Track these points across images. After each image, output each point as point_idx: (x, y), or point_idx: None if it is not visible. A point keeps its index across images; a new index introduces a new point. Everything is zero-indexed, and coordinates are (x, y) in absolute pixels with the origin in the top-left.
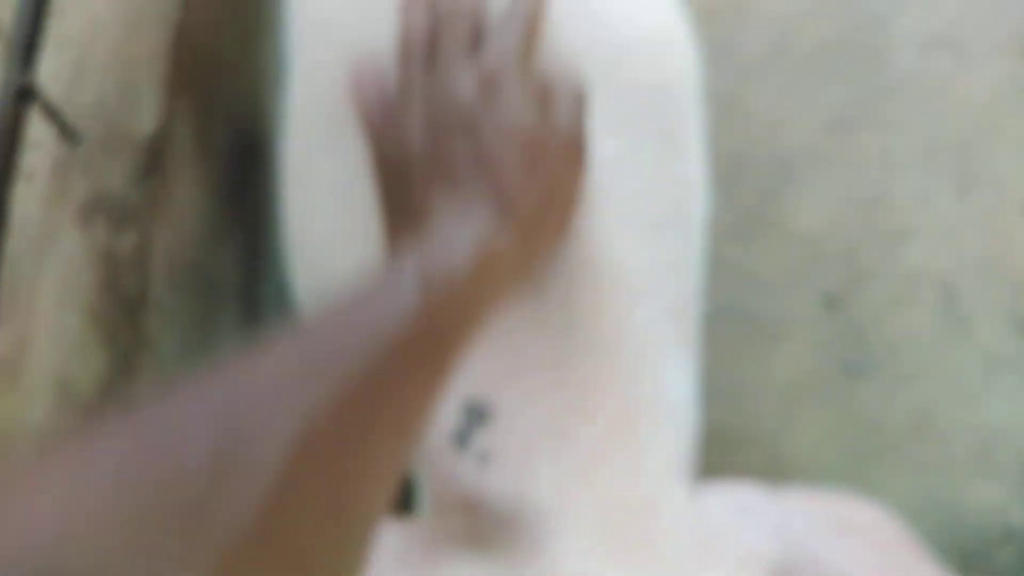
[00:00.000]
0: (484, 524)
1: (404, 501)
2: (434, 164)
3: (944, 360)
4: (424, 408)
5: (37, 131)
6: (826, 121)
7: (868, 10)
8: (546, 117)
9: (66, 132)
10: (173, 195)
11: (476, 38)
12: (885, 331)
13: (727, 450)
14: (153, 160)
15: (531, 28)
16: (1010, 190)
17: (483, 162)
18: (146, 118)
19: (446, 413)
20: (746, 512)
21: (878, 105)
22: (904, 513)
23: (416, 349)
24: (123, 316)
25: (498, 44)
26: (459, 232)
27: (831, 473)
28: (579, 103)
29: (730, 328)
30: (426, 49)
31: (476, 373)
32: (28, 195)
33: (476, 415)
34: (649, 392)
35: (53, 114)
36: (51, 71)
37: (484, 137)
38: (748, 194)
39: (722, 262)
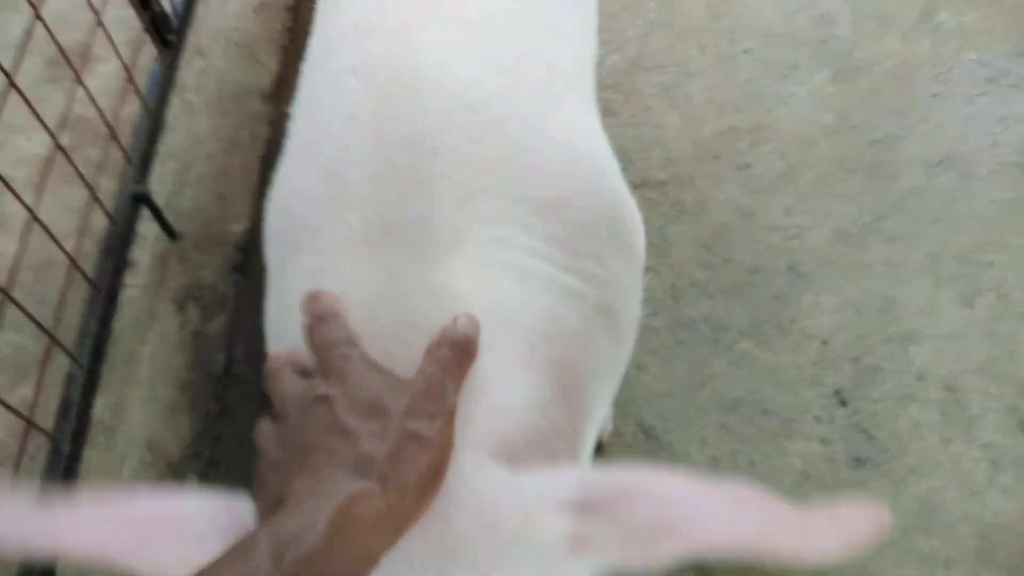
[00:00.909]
0: None
1: None
2: (298, 456)
3: (949, 455)
4: None
5: (143, 228)
6: (837, 233)
7: (877, 133)
8: (393, 377)
9: (168, 231)
10: (255, 287)
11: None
12: (893, 427)
13: None
14: (241, 256)
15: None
16: (1013, 299)
17: (336, 431)
18: (237, 221)
19: None
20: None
21: (886, 219)
22: None
23: None
24: (209, 388)
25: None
26: (311, 504)
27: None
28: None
29: (748, 419)
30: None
31: None
32: (133, 283)
33: None
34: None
35: (159, 215)
36: (157, 178)
37: (336, 411)
38: (765, 299)
39: (742, 359)
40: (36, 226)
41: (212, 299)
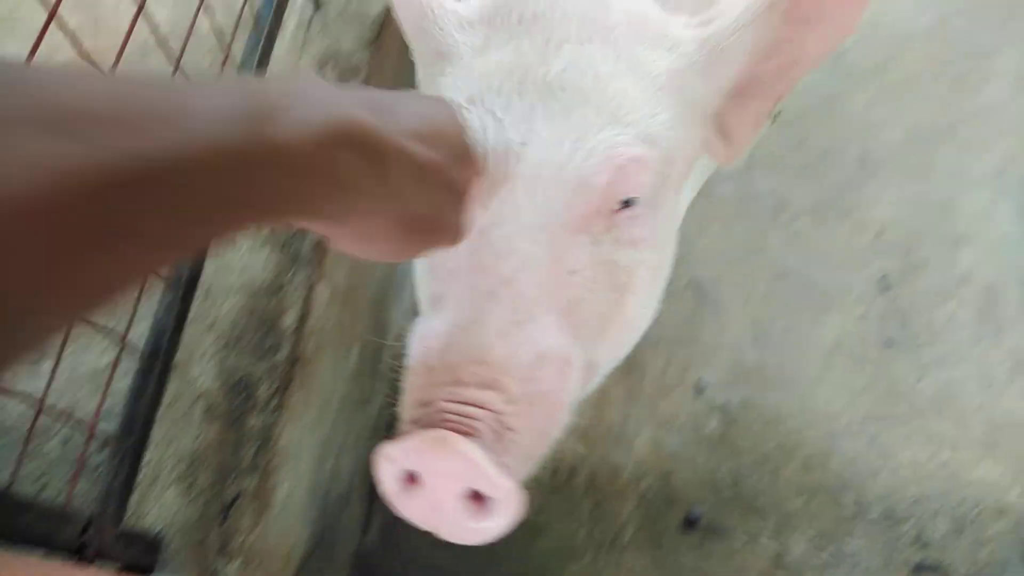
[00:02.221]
0: None
1: None
2: None
3: (975, 352)
4: (201, 223)
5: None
6: (911, 131)
7: (972, 43)
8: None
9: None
10: (387, 59)
11: None
12: (928, 317)
13: (764, 387)
14: (376, 31)
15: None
16: None
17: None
18: (375, 4)
19: None
20: None
21: (961, 126)
22: (909, 474)
23: (213, 173)
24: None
25: None
26: (317, 94)
27: (850, 428)
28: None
29: (793, 290)
30: None
31: None
32: (279, 45)
33: None
34: None
35: None
36: None
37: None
38: (831, 182)
39: (797, 235)
40: None
41: (347, 66)
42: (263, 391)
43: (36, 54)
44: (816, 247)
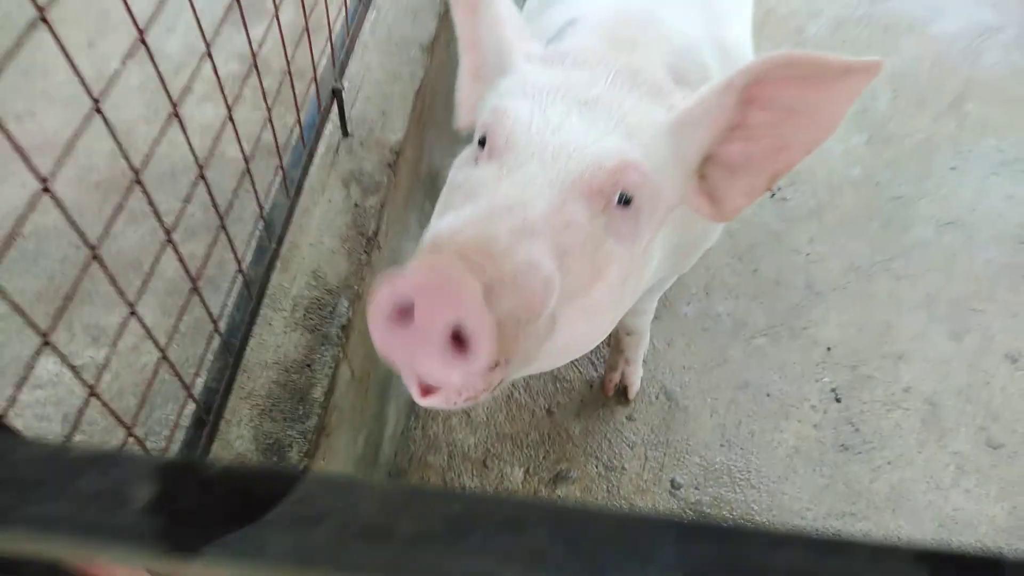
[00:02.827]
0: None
1: None
2: None
3: (923, 456)
4: None
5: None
6: (851, 264)
7: (897, 191)
8: None
9: (344, 127)
10: (402, 182)
11: None
12: (876, 425)
13: (733, 487)
14: (394, 157)
15: None
16: (996, 342)
17: None
18: (393, 132)
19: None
20: None
21: (894, 261)
22: None
23: None
24: (361, 244)
25: None
26: None
27: (815, 523)
28: None
29: (754, 399)
30: None
31: None
32: (312, 165)
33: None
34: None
35: (342, 111)
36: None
37: None
38: (782, 306)
39: (755, 351)
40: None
41: (369, 183)
42: (294, 454)
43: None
44: (772, 362)
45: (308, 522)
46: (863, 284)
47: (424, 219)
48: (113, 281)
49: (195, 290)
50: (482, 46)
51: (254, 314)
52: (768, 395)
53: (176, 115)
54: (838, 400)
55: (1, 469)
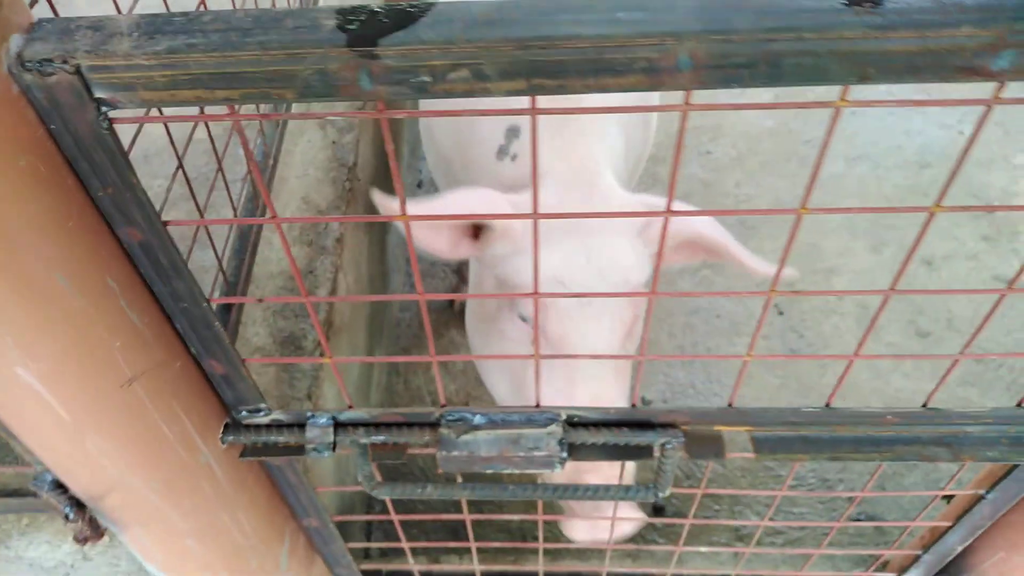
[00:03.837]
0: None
1: None
2: None
3: (862, 351)
4: None
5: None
6: (775, 200)
7: (808, 135)
8: None
9: None
10: (371, 123)
11: None
12: (818, 329)
13: (698, 397)
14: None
15: None
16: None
17: None
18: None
19: (494, 136)
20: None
21: (814, 192)
22: None
23: None
24: (343, 175)
25: None
26: None
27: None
28: None
29: (706, 321)
30: None
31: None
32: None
33: (513, 133)
34: (608, 141)
35: None
36: None
37: None
38: None
39: (703, 282)
40: None
41: (344, 123)
42: (308, 344)
43: None
44: (718, 288)
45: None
46: (788, 215)
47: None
48: None
49: (219, 170)
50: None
51: (257, 234)
52: (718, 316)
53: None
54: (781, 313)
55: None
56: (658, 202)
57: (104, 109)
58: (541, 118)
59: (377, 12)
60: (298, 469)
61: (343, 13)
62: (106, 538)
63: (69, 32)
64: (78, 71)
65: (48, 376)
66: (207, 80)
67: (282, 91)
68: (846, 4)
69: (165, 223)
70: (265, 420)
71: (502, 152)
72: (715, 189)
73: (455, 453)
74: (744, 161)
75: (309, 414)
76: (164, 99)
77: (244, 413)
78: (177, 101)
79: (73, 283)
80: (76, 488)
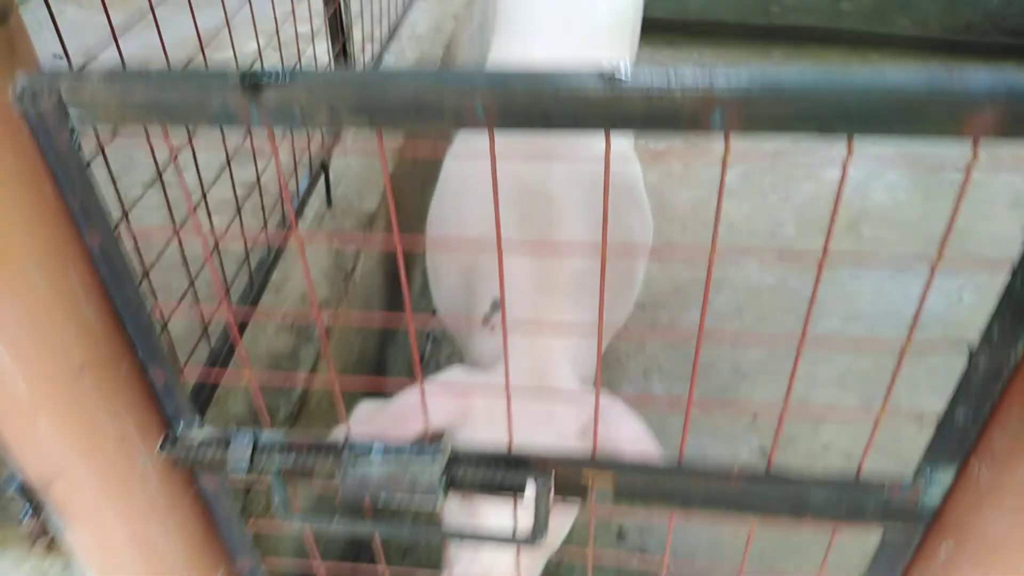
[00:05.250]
0: (490, 359)
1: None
2: None
3: None
4: None
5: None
6: (770, 352)
7: (807, 294)
8: None
9: (328, 199)
10: (375, 238)
11: None
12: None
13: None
14: (370, 221)
15: None
16: (902, 408)
17: None
18: (370, 205)
19: (483, 302)
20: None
21: (807, 347)
22: None
23: None
24: (343, 277)
25: None
26: None
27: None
28: None
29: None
30: None
31: (495, 285)
32: (301, 226)
33: (495, 305)
34: (566, 343)
35: (328, 183)
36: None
37: None
38: (712, 385)
39: (692, 423)
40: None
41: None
42: (280, 415)
43: None
44: (705, 429)
45: None
46: (780, 365)
47: None
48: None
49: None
50: None
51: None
52: (704, 456)
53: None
54: (766, 458)
55: None
56: (605, 403)
57: (75, 130)
58: (517, 294)
59: (268, 71)
60: (228, 499)
61: (244, 72)
62: (62, 561)
63: (57, 75)
64: (60, 101)
65: (11, 345)
66: (148, 108)
67: (198, 118)
68: (598, 76)
69: (117, 230)
70: (200, 435)
71: (486, 320)
72: (713, 337)
73: (349, 478)
74: (742, 314)
75: (234, 430)
76: (117, 119)
77: (181, 424)
78: (126, 121)
79: (40, 271)
80: (29, 471)
